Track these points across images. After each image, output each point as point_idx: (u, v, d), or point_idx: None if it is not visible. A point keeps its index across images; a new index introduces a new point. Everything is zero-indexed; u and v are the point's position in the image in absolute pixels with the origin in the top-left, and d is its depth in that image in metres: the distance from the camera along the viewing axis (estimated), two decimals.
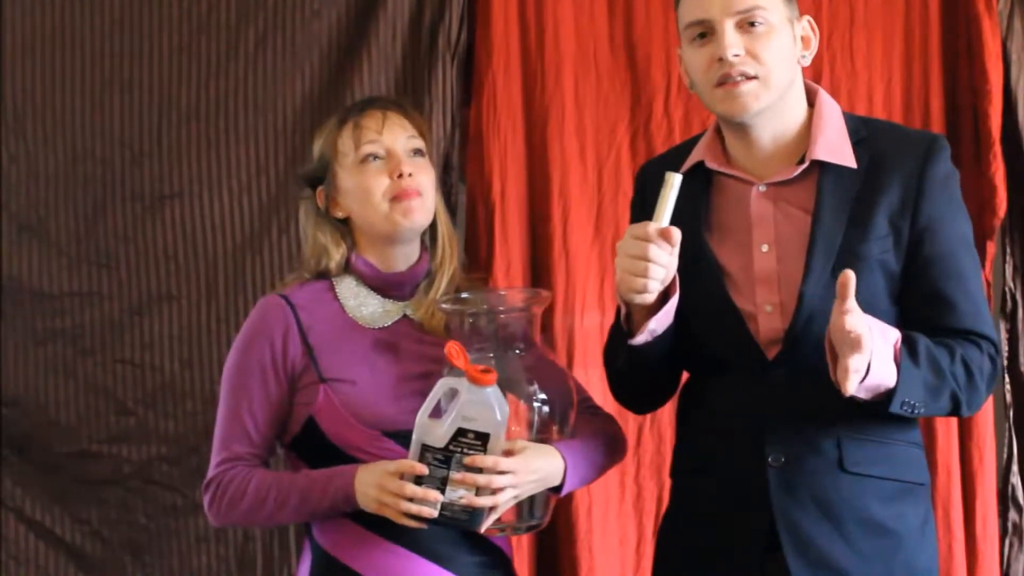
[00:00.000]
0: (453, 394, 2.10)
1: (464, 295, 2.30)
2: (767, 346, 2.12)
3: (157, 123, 3.05)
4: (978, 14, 2.95)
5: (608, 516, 3.00)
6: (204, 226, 3.04)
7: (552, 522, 2.98)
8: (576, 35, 3.03)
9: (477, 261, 3.03)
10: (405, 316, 2.31)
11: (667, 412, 3.01)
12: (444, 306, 2.26)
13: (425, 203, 2.30)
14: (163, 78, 3.05)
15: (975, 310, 2.10)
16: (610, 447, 2.31)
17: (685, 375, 2.31)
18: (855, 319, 1.89)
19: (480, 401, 2.08)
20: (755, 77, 2.08)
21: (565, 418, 2.22)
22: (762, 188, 2.13)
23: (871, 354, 1.92)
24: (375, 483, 2.10)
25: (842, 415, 2.08)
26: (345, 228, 2.34)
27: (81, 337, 3.05)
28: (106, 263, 3.06)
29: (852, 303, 1.89)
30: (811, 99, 2.19)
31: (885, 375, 1.97)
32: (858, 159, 2.12)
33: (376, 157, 2.28)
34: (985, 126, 2.96)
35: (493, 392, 2.08)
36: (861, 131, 2.16)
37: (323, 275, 2.32)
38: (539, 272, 3.03)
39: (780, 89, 2.11)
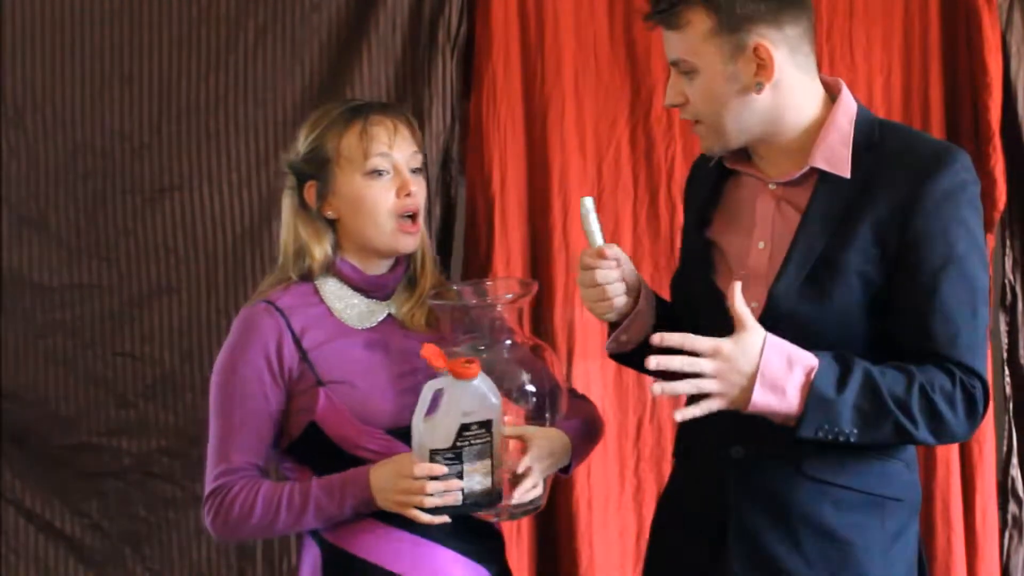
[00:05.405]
0: (442, 393, 2.08)
1: (454, 287, 2.31)
2: None
3: (157, 116, 3.05)
4: (978, 7, 2.96)
5: (608, 508, 3.00)
6: (204, 219, 3.04)
7: (552, 514, 3.00)
8: (576, 28, 3.03)
9: (477, 254, 3.04)
10: (390, 315, 2.29)
11: (666, 405, 3.02)
12: (435, 301, 2.24)
13: (420, 226, 2.28)
14: (162, 71, 3.06)
15: (952, 337, 1.97)
16: (594, 428, 2.36)
17: None
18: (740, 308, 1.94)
19: (472, 393, 2.07)
20: (699, 122, 2.08)
21: (557, 405, 2.23)
22: (772, 187, 2.11)
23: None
24: (393, 486, 2.10)
25: None
26: (330, 227, 2.29)
27: (81, 330, 3.06)
28: (106, 256, 3.06)
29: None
30: (835, 96, 2.10)
31: (778, 401, 1.93)
32: (860, 167, 2.04)
33: (384, 172, 2.24)
34: (985, 119, 2.97)
35: (481, 381, 2.08)
36: (874, 136, 2.07)
37: (305, 277, 2.28)
38: (539, 265, 3.03)
39: (734, 125, 2.05)
